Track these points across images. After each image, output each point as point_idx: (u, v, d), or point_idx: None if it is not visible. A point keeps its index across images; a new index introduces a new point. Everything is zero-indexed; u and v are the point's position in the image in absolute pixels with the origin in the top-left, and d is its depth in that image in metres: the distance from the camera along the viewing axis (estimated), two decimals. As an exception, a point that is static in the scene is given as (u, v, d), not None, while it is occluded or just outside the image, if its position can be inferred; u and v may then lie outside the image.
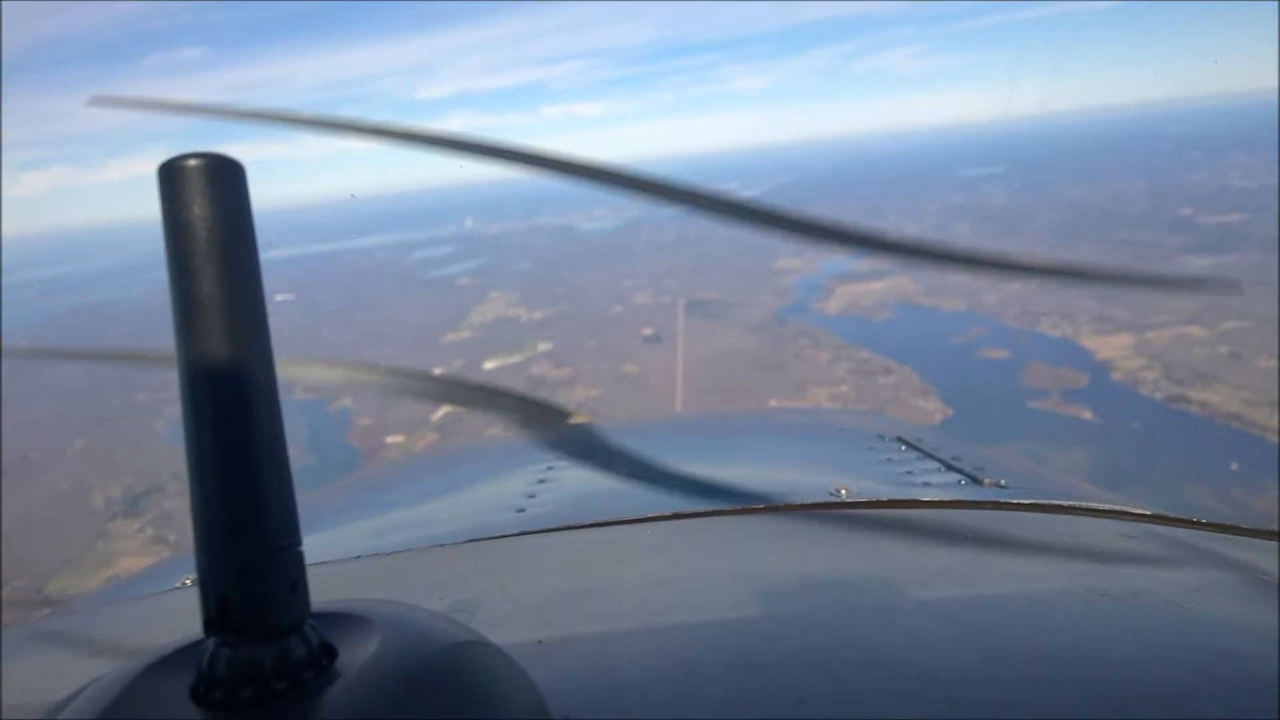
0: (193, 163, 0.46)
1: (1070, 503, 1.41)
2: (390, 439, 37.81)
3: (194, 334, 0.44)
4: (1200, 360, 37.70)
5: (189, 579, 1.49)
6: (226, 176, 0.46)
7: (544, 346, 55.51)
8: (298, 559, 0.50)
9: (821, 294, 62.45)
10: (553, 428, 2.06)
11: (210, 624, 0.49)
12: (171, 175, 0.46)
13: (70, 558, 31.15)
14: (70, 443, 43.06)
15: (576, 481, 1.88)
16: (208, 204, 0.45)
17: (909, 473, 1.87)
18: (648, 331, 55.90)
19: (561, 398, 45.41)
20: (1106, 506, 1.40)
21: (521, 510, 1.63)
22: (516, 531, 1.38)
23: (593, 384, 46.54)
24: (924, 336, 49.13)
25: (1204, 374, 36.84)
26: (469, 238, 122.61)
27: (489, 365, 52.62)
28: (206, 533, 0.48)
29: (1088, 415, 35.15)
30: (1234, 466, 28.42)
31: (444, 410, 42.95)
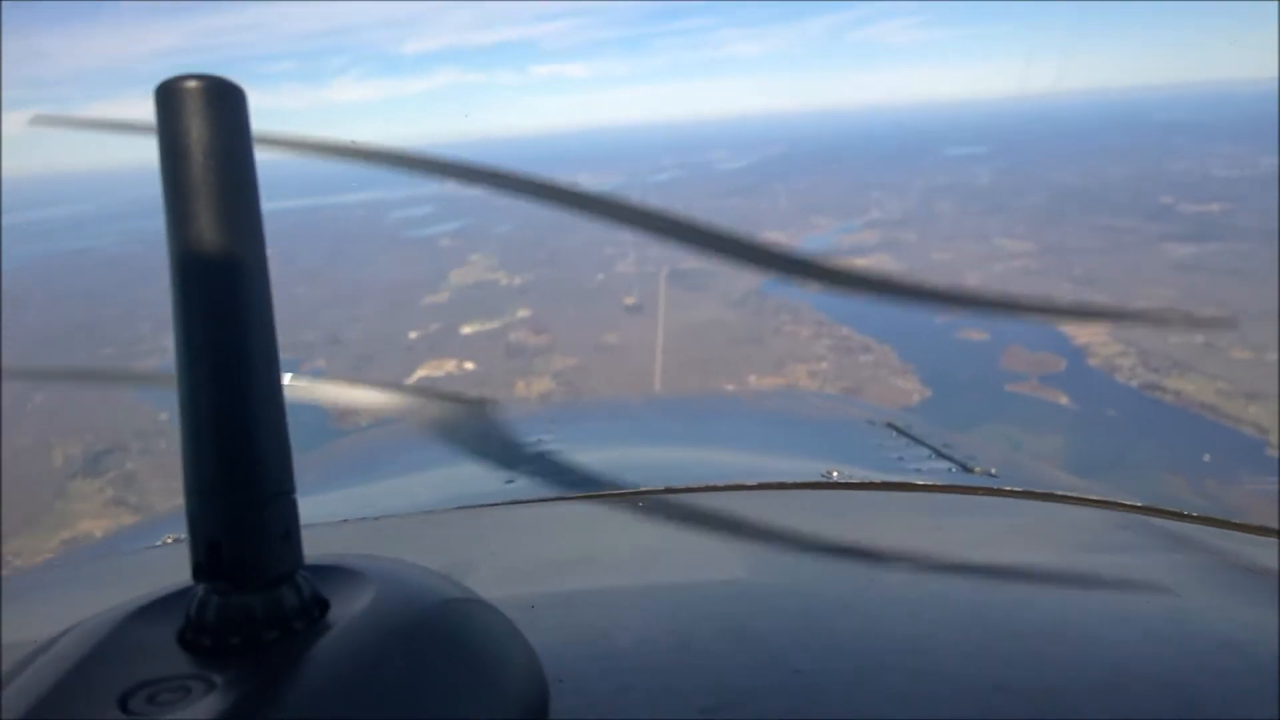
0: (191, 84, 0.43)
1: (1063, 492, 1.40)
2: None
3: (190, 263, 0.43)
4: (1176, 349, 37.82)
5: (171, 537, 1.49)
6: (227, 99, 0.44)
7: (523, 313, 55.15)
8: (291, 506, 0.49)
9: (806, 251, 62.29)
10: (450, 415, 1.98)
11: (199, 569, 0.48)
12: (169, 96, 0.44)
13: (28, 517, 30.63)
14: (31, 397, 42.25)
15: (566, 455, 1.86)
16: (206, 126, 0.43)
17: (900, 458, 1.85)
18: (629, 300, 55.63)
19: (539, 366, 45.25)
20: (1098, 497, 1.39)
21: (511, 481, 1.61)
22: (507, 500, 1.37)
23: (571, 353, 46.31)
24: (903, 316, 49.09)
25: (1180, 363, 37.04)
26: (450, 198, 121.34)
27: (466, 330, 52.25)
28: (197, 476, 0.46)
29: (1064, 400, 35.26)
30: (1206, 458, 28.60)
31: (418, 374, 42.78)
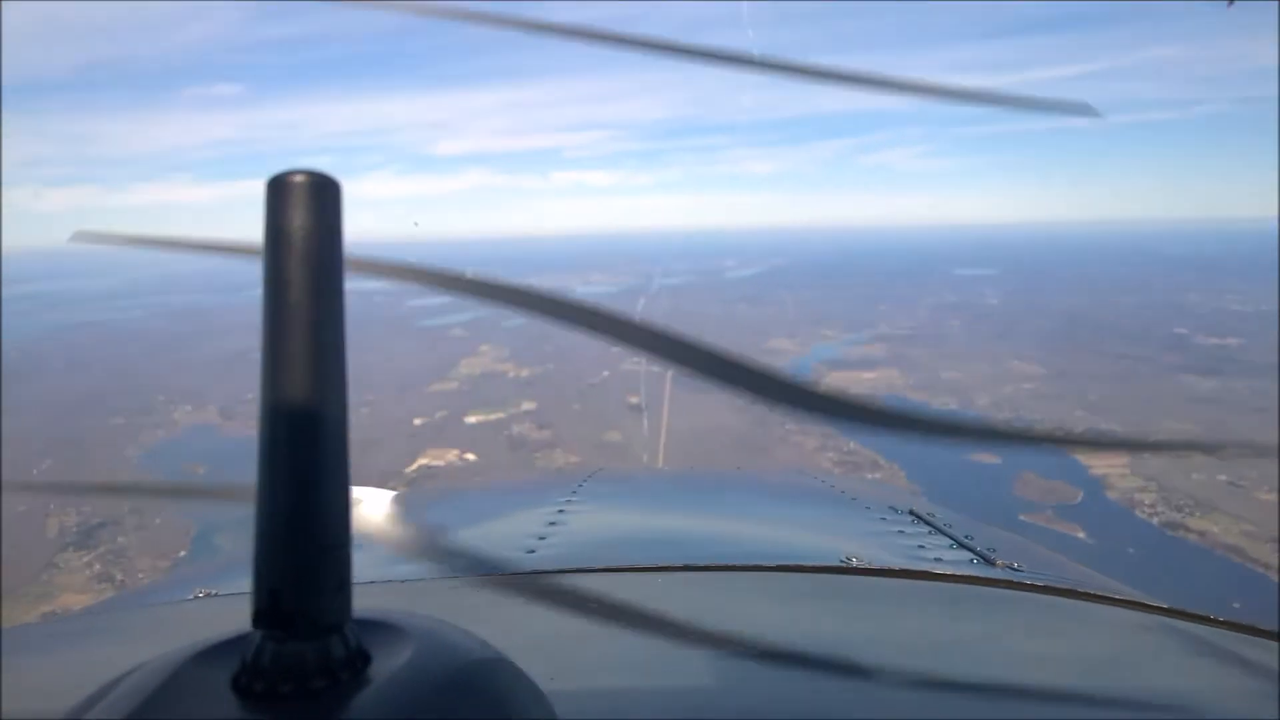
0: (298, 178, 0.49)
1: (1085, 589, 1.38)
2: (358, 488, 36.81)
3: (280, 335, 0.48)
4: (1199, 487, 36.97)
5: (202, 591, 1.51)
6: (326, 192, 0.50)
7: (528, 405, 54.89)
8: (347, 559, 0.52)
9: (811, 377, 61.68)
10: None
11: (259, 616, 0.51)
12: (278, 189, 0.49)
13: (12, 587, 30.07)
14: (38, 463, 41.75)
15: (588, 525, 1.87)
16: (307, 216, 0.49)
17: (920, 546, 1.80)
18: (633, 399, 55.25)
19: (540, 460, 44.55)
20: (1122, 596, 1.37)
21: (532, 551, 1.61)
22: (529, 570, 1.32)
23: (573, 449, 45.67)
24: (915, 433, 48.29)
25: (1203, 501, 36.10)
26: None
27: (471, 419, 51.80)
28: (267, 525, 0.50)
29: (1081, 534, 34.16)
30: (1236, 605, 27.37)
31: (418, 463, 42.12)
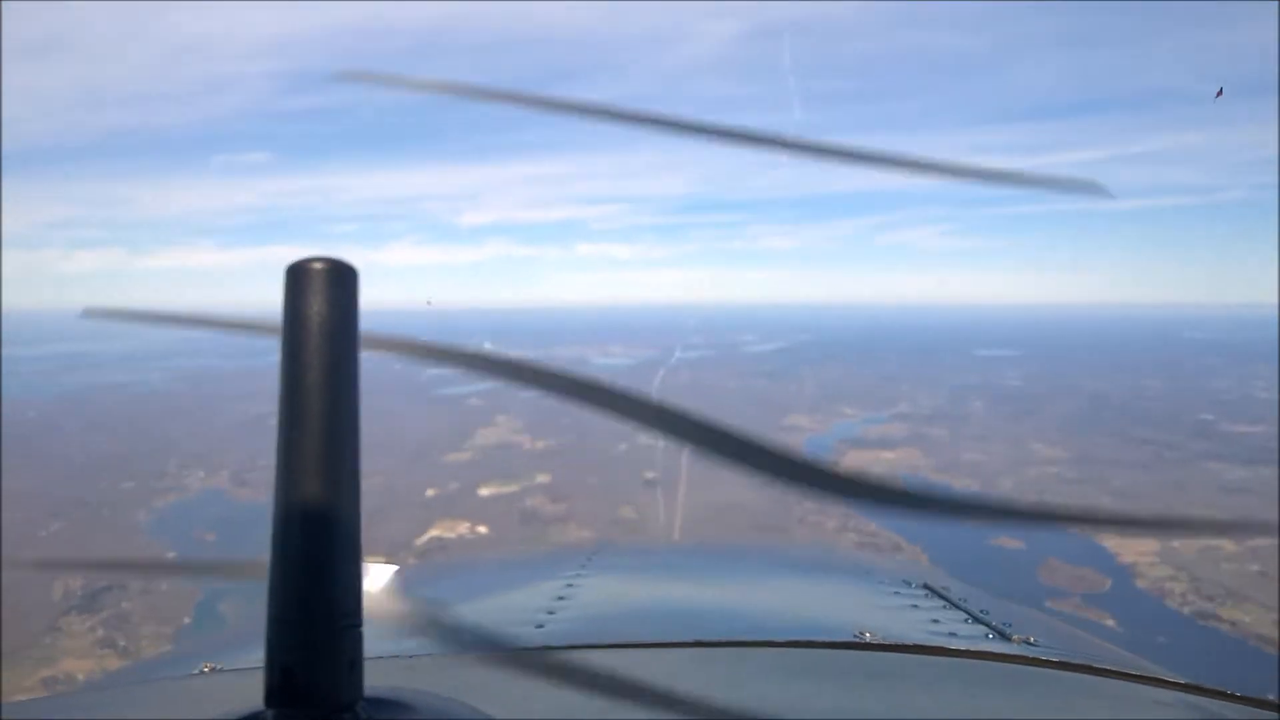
0: (317, 265, 0.50)
1: (1102, 665, 1.38)
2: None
3: (296, 417, 0.49)
4: (1229, 576, 35.85)
5: (208, 666, 1.52)
6: (343, 279, 0.51)
7: (542, 478, 54.33)
8: (358, 638, 0.53)
9: (831, 456, 60.94)
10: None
11: (272, 694, 0.51)
12: (297, 275, 0.50)
13: (14, 650, 29.62)
14: (48, 524, 41.57)
15: (597, 600, 1.86)
16: (325, 303, 0.50)
17: (934, 620, 1.77)
18: (649, 474, 54.55)
19: (553, 534, 43.90)
20: (1140, 672, 1.37)
21: (541, 626, 1.60)
22: (538, 646, 1.37)
23: (586, 524, 45.01)
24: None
25: (1234, 591, 34.95)
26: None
27: (484, 491, 51.24)
28: (280, 604, 0.51)
29: (1110, 623, 33.02)
30: (1270, 696, 26.18)
31: (429, 535, 41.53)
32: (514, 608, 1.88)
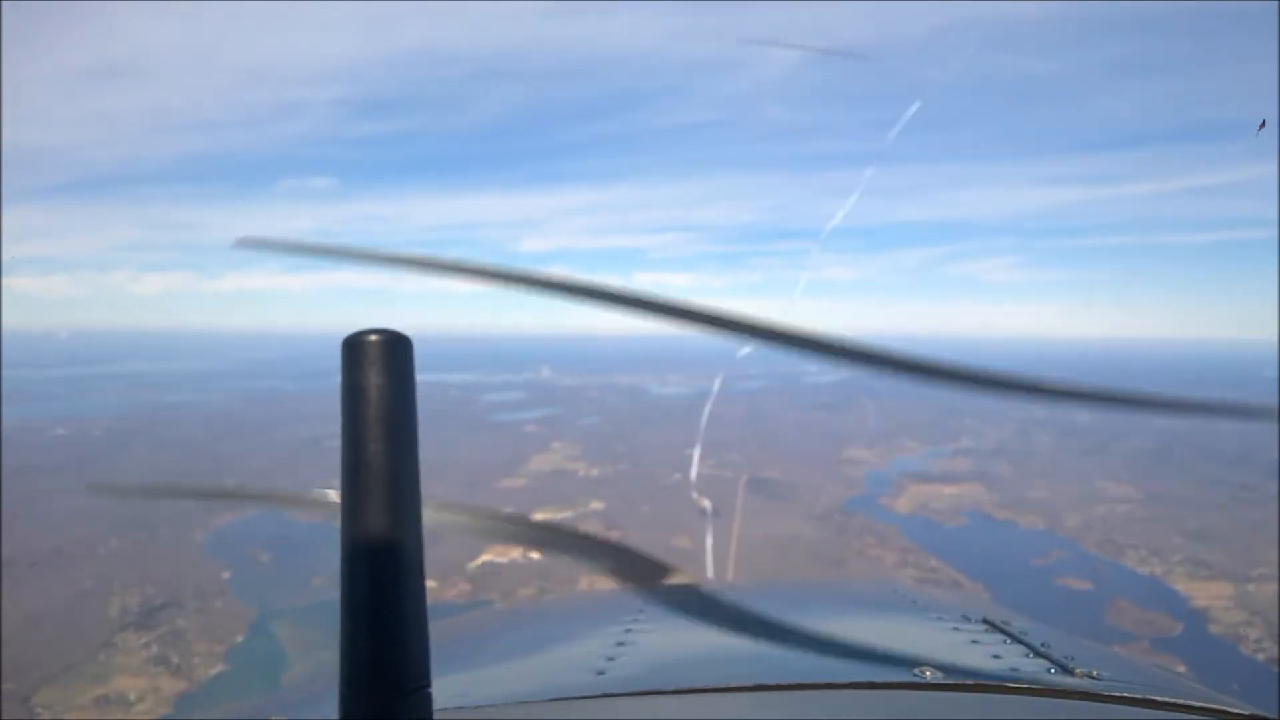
0: (372, 338, 0.53)
1: (1164, 698, 1.37)
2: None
3: (358, 485, 0.51)
4: (1308, 622, 34.04)
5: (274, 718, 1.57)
6: (398, 349, 0.54)
7: (596, 505, 54.16)
8: (427, 700, 0.56)
9: (891, 490, 59.79)
10: (649, 583, 1.83)
11: None
12: (353, 348, 0.53)
13: (70, 665, 30.13)
14: (106, 540, 42.39)
15: (658, 644, 1.87)
16: (381, 373, 0.52)
17: (995, 656, 1.75)
18: (705, 504, 54.01)
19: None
20: (1203, 704, 1.36)
21: (602, 672, 1.60)
22: (599, 694, 1.38)
23: (640, 553, 44.43)
24: (999, 552, 45.97)
25: (1313, 638, 33.13)
26: (542, 386, 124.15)
27: (538, 517, 50.75)
28: (352, 669, 0.53)
29: (1181, 669, 31.63)
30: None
31: (481, 559, 41.43)
32: (574, 654, 1.88)
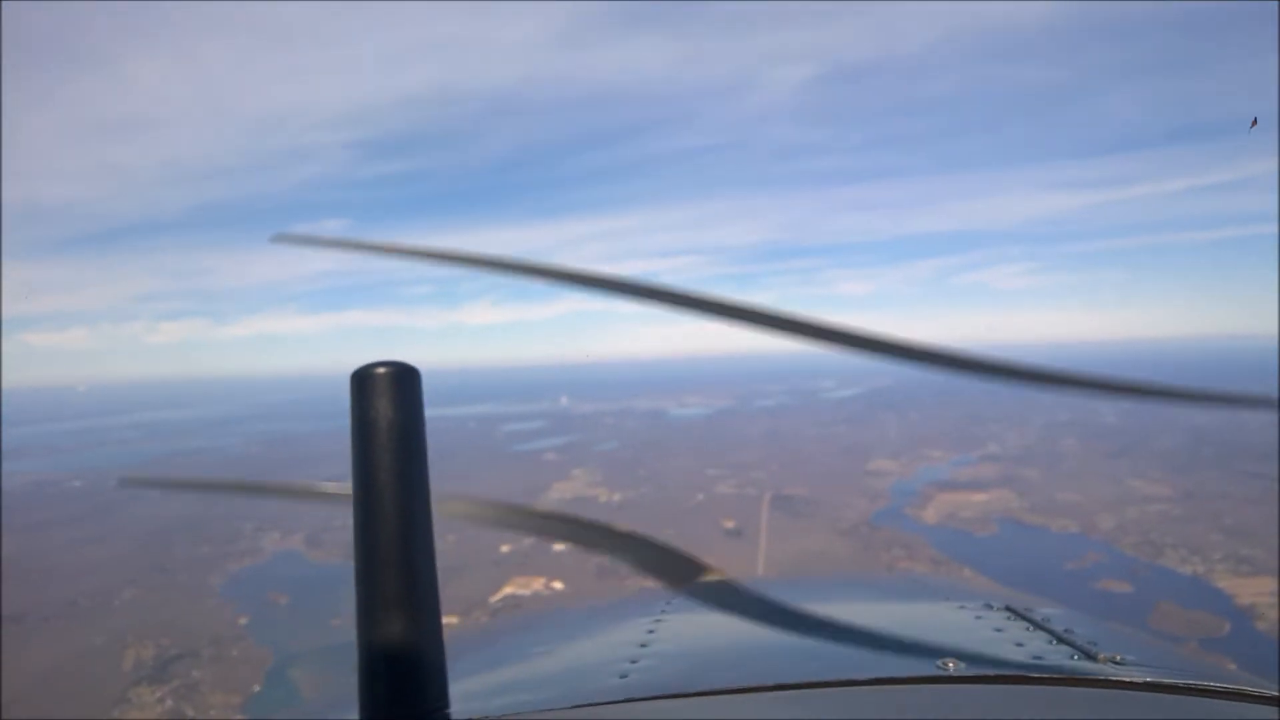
0: (381, 370, 0.54)
1: (1188, 682, 1.36)
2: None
3: (370, 516, 0.52)
4: (1358, 617, 32.78)
5: None
6: (406, 381, 0.55)
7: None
8: None
9: (918, 500, 58.68)
10: (684, 580, 2.05)
11: None
12: (362, 381, 0.54)
13: None
14: (121, 591, 41.86)
15: (679, 645, 1.83)
16: (390, 405, 0.53)
17: (1018, 644, 1.70)
18: (729, 524, 53.41)
19: (630, 589, 42.67)
20: (1227, 686, 1.34)
21: (625, 676, 1.58)
22: (621, 698, 1.37)
23: (665, 577, 43.63)
24: (1033, 559, 44.74)
25: (1363, 633, 31.89)
26: (561, 414, 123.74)
27: (559, 546, 50.33)
28: (372, 698, 0.54)
29: (1232, 668, 30.37)
30: None
31: (503, 592, 40.67)
32: (597, 658, 1.79)
